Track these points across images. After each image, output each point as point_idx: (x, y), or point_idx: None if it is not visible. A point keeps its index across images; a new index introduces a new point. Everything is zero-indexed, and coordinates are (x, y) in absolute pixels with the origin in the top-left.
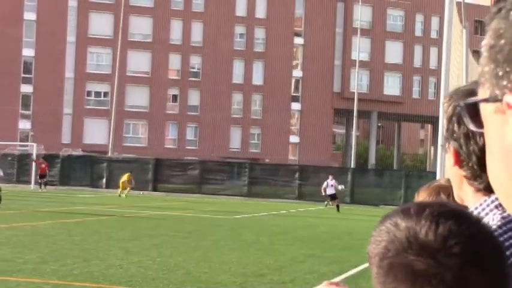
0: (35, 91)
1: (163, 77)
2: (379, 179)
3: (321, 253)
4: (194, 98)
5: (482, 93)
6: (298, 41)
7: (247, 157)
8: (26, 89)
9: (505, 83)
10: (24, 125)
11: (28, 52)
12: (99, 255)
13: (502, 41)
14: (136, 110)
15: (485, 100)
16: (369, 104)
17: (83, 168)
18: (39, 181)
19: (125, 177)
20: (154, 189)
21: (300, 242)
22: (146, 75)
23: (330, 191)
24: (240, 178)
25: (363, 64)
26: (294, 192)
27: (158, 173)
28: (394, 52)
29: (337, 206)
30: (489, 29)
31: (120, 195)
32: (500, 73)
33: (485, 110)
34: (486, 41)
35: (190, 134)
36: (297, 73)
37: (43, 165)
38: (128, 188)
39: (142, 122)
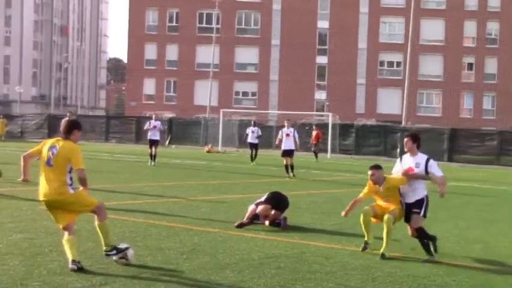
0: (330, 62)
1: (458, 44)
2: None
3: None
4: (491, 65)
5: None
6: None
7: None
8: (322, 60)
9: None
10: (320, 95)
11: (323, 24)
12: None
13: None
14: (430, 79)
15: None
16: None
17: (377, 138)
18: (313, 149)
19: None
20: (449, 160)
21: None
22: (440, 44)
23: None
24: None
25: None
26: None
27: (454, 143)
28: None
29: None
30: None
31: None
32: None
33: None
34: None
35: (487, 104)
36: None
37: (314, 133)
38: None
39: (436, 92)
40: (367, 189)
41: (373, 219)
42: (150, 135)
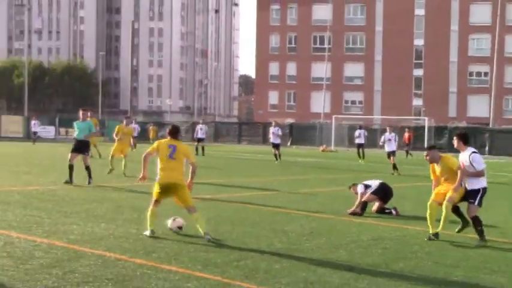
0: (425, 74)
1: None
2: None
3: None
4: None
5: None
6: None
7: None
8: (418, 72)
9: None
10: (417, 102)
11: (419, 42)
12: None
13: None
14: None
15: None
16: None
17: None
18: (405, 149)
19: None
20: None
21: None
22: None
23: None
24: None
25: None
26: None
27: None
28: None
29: None
30: None
31: None
32: None
33: None
34: None
35: None
36: None
37: (406, 135)
38: None
39: None
40: (431, 171)
41: (439, 206)
42: (272, 140)
